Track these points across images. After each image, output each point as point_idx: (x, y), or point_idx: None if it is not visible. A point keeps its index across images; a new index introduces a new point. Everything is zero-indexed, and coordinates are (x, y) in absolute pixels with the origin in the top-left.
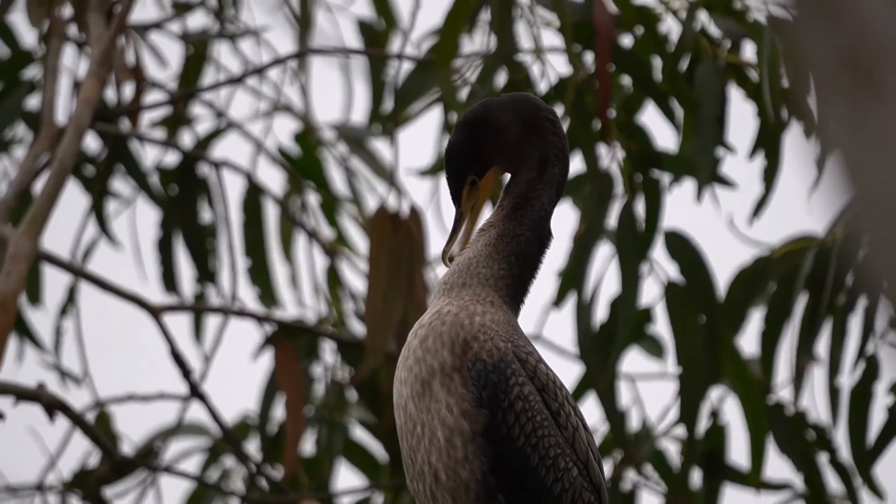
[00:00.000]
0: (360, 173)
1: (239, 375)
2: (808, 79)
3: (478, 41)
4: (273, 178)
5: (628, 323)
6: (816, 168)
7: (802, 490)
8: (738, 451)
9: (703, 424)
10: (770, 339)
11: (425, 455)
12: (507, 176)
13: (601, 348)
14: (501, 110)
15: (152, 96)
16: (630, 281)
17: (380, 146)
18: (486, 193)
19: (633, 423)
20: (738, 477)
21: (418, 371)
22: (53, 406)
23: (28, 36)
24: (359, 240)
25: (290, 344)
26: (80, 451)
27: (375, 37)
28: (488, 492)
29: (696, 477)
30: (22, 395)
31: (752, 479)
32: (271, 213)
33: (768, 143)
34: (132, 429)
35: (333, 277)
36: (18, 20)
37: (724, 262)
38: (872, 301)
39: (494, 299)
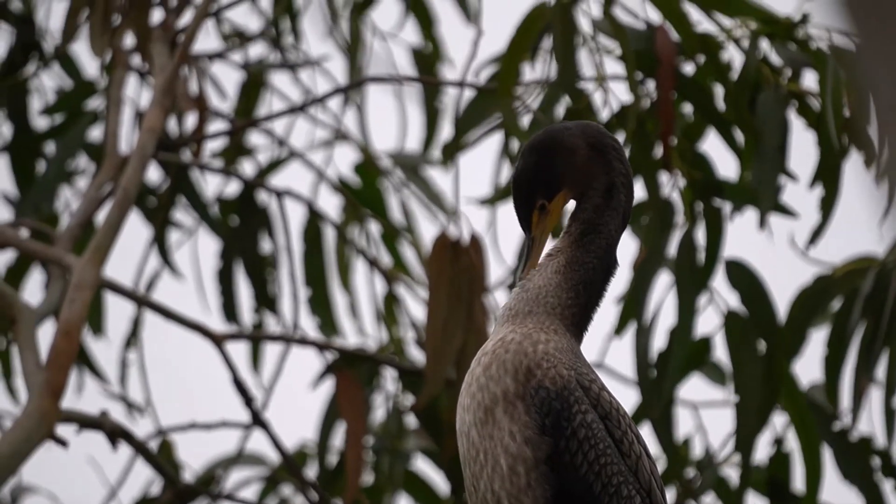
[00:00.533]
0: (417, 201)
1: (296, 404)
2: (869, 108)
3: (539, 69)
4: (332, 208)
5: (683, 351)
6: (879, 195)
7: None
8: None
9: (763, 452)
10: (833, 365)
11: (488, 482)
12: (572, 202)
13: (659, 376)
14: (569, 135)
15: (213, 126)
16: (687, 310)
17: (435, 174)
18: (556, 218)
19: (697, 451)
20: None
21: (481, 398)
22: (116, 434)
23: (91, 66)
24: (417, 267)
25: (351, 372)
26: (141, 481)
27: (427, 63)
28: None
29: None
30: (85, 422)
31: None
32: (331, 243)
33: (827, 171)
34: (192, 457)
35: (390, 304)
36: (81, 50)
37: (782, 289)
38: None
39: (559, 327)
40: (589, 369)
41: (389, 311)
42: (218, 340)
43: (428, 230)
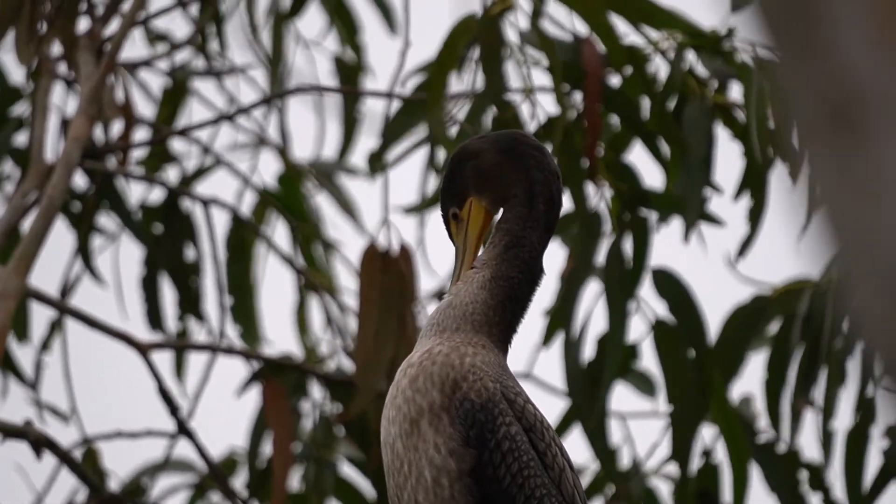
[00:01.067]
0: (336, 208)
1: (227, 413)
2: (792, 123)
3: (467, 80)
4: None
5: (615, 360)
6: (804, 213)
7: None
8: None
9: (695, 463)
10: (773, 388)
11: (412, 494)
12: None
13: (589, 386)
14: (477, 141)
15: (139, 134)
16: (617, 318)
17: (355, 183)
18: (474, 224)
19: (624, 461)
20: None
21: (407, 410)
22: (41, 443)
23: (16, 73)
24: (340, 275)
25: (278, 381)
26: (68, 489)
27: (350, 73)
28: None
29: None
30: (9, 432)
31: None
32: (255, 251)
33: (755, 183)
34: (120, 466)
35: (302, 313)
36: (7, 57)
37: (713, 303)
38: (868, 346)
39: (486, 343)
40: (514, 382)
41: (300, 320)
42: (143, 349)
43: (353, 238)
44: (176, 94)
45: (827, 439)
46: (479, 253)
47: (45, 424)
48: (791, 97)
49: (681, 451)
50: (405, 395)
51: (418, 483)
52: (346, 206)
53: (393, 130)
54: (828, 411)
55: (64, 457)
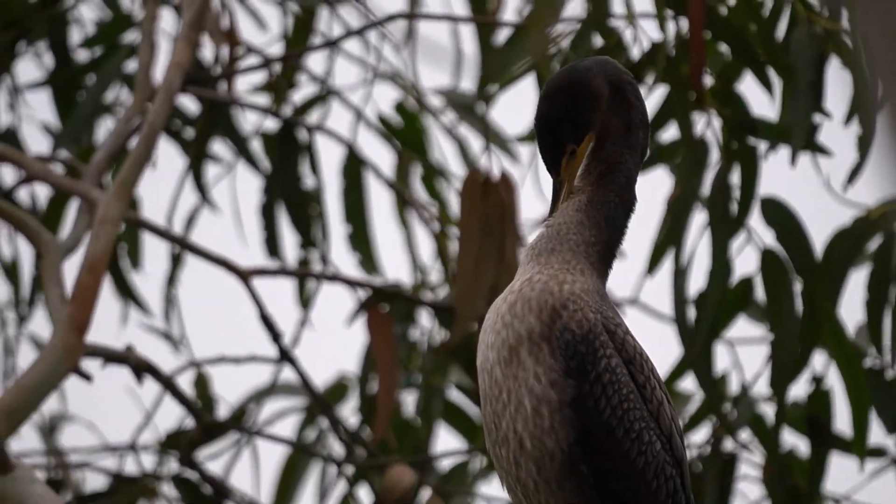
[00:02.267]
0: (469, 140)
1: (345, 341)
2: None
3: (570, 7)
4: (375, 146)
5: (720, 290)
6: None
7: None
8: (843, 419)
9: (802, 390)
10: (875, 306)
11: (510, 422)
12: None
13: (698, 317)
14: (592, 77)
15: (253, 61)
16: (721, 247)
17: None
18: (581, 159)
19: (733, 387)
20: (843, 445)
21: (506, 336)
22: (142, 368)
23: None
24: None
25: (384, 308)
26: (179, 413)
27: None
28: (572, 462)
29: (801, 445)
30: (110, 357)
31: (856, 448)
32: (372, 181)
33: (863, 110)
34: (233, 393)
35: (411, 242)
36: None
37: (821, 231)
38: None
39: (585, 267)
40: (615, 312)
41: (410, 248)
42: (244, 276)
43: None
44: (297, 23)
45: None
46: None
47: (172, 353)
48: (876, 36)
49: (781, 377)
50: (504, 321)
51: (517, 412)
52: (489, 133)
53: (500, 59)
54: None
55: (166, 382)
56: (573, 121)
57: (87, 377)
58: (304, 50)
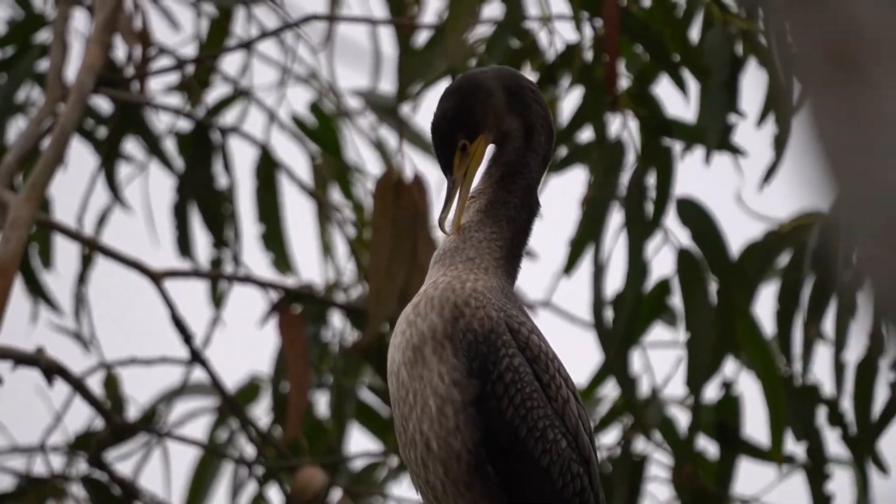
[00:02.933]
0: (387, 142)
1: (257, 342)
2: (795, 68)
3: (487, 10)
4: (291, 147)
5: (636, 288)
6: (814, 145)
7: (805, 461)
8: (752, 424)
9: (714, 394)
10: (784, 317)
11: (417, 423)
12: (491, 147)
13: (616, 318)
14: (486, 78)
15: (165, 62)
16: (637, 248)
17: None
18: (478, 160)
19: (644, 390)
20: (754, 451)
21: (410, 336)
22: (52, 370)
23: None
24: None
25: (296, 309)
26: (89, 413)
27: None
28: (479, 462)
29: (711, 449)
30: (20, 359)
31: (774, 451)
32: (287, 181)
33: (778, 110)
34: (144, 394)
35: (325, 243)
36: None
37: (740, 234)
38: (871, 284)
39: (489, 265)
40: (520, 311)
41: (324, 249)
42: (156, 278)
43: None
44: (213, 24)
45: (839, 371)
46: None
47: (83, 353)
48: (795, 42)
49: (696, 378)
50: (408, 321)
51: (423, 412)
52: (410, 136)
53: (418, 61)
54: (839, 343)
55: (76, 384)
56: (465, 120)
57: None
58: (220, 52)
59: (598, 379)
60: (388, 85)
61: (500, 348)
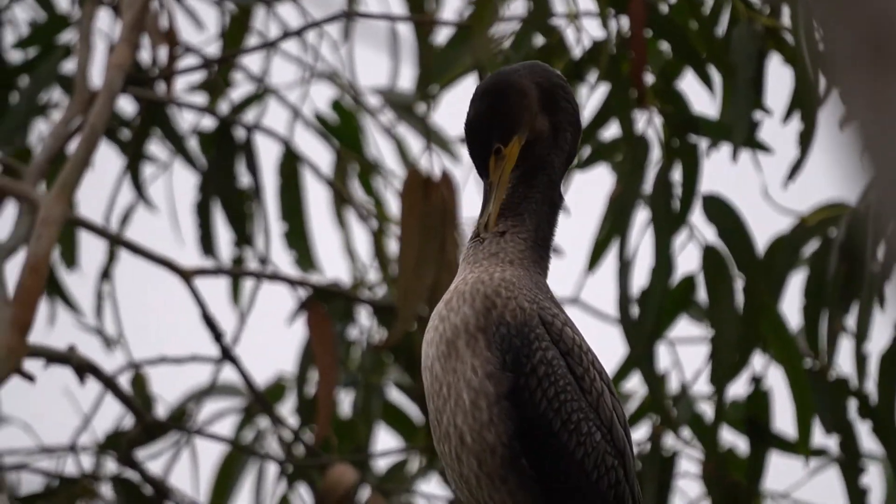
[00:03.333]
0: (407, 139)
1: (282, 340)
2: (834, 54)
3: (513, 7)
4: (313, 144)
5: (662, 286)
6: (844, 137)
7: (838, 455)
8: (781, 419)
9: (742, 389)
10: (811, 310)
11: (451, 417)
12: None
13: (641, 314)
14: (519, 77)
15: (190, 61)
16: (664, 244)
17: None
18: (512, 162)
19: (674, 386)
20: (783, 444)
21: (443, 330)
22: (83, 368)
23: (65, 0)
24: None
25: (323, 307)
26: (116, 414)
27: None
28: (513, 455)
29: (742, 445)
30: (52, 357)
31: (800, 445)
32: (309, 178)
33: (804, 106)
34: (171, 393)
35: (348, 240)
36: None
37: (764, 227)
38: None
39: (514, 258)
40: (552, 303)
41: (348, 247)
42: (186, 276)
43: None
44: (234, 23)
45: (861, 362)
46: None
47: (104, 352)
48: (829, 31)
49: (720, 374)
50: (441, 316)
51: (457, 406)
52: (428, 133)
53: (442, 59)
54: (861, 335)
55: (107, 382)
56: (500, 122)
57: (29, 378)
58: (242, 51)
59: (622, 373)
60: (408, 83)
61: (533, 341)
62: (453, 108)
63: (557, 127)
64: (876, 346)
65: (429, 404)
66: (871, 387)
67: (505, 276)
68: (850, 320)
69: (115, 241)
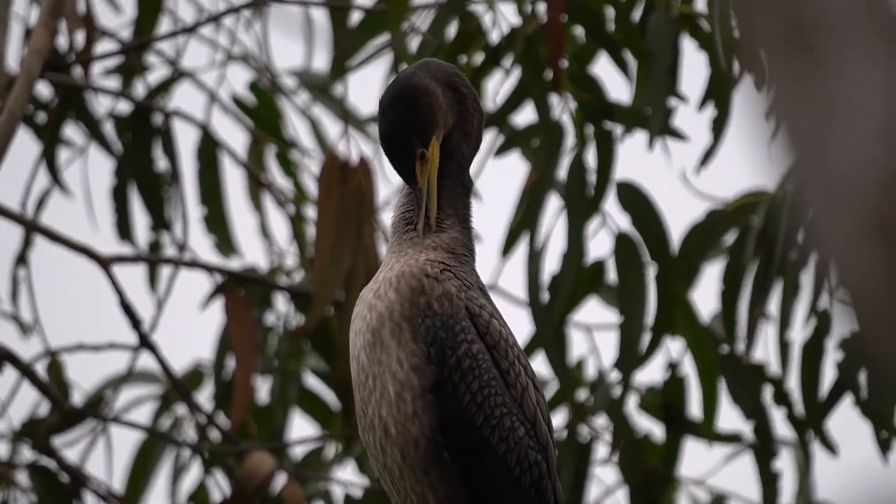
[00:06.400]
0: (323, 121)
1: (199, 326)
2: (754, 40)
3: None
4: (232, 128)
5: (574, 274)
6: (764, 125)
7: (752, 440)
8: (698, 405)
9: (659, 376)
10: (729, 297)
11: (376, 408)
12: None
13: (551, 300)
14: (421, 78)
15: (107, 45)
16: (577, 231)
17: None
18: (436, 162)
19: (591, 373)
20: (695, 429)
21: (370, 320)
22: (1, 357)
23: None
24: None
25: (241, 293)
26: (32, 401)
27: None
28: (436, 449)
29: (658, 431)
30: None
31: (705, 430)
32: (227, 162)
33: (718, 93)
34: (87, 379)
35: (265, 225)
36: None
37: (678, 218)
38: (823, 259)
39: (439, 243)
40: (480, 293)
41: (264, 232)
42: (104, 263)
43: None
44: (147, 6)
45: (784, 350)
46: None
47: (21, 339)
48: (753, 16)
49: (627, 360)
50: (369, 304)
51: (382, 397)
52: (343, 114)
53: (354, 42)
54: (783, 322)
55: (24, 369)
56: (415, 127)
57: None
58: (159, 38)
59: (525, 353)
60: (322, 64)
61: (458, 333)
62: (366, 87)
63: (464, 116)
64: (798, 334)
65: (355, 394)
66: (795, 374)
67: (430, 256)
68: (771, 307)
69: (32, 228)
